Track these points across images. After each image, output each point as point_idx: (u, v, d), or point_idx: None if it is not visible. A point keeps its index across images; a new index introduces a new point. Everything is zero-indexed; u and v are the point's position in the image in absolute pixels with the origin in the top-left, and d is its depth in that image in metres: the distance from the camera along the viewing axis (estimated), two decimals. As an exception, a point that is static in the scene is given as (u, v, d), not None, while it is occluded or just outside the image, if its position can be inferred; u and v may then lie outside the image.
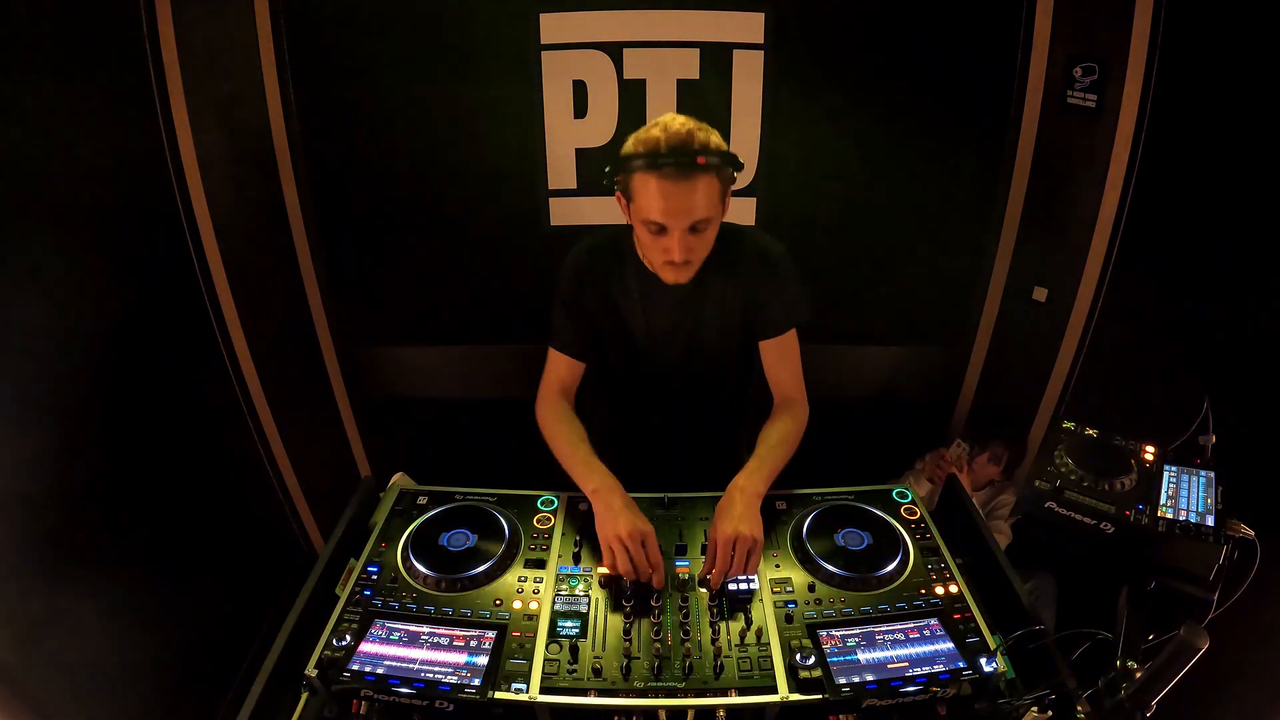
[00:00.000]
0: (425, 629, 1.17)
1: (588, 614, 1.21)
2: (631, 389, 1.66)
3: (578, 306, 1.55)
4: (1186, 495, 1.24)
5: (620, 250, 1.53)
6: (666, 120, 1.32)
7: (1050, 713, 1.08)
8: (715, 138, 1.32)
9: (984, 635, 1.16)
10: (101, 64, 1.77)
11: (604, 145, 2.15)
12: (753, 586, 1.26)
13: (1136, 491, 1.25)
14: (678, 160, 1.27)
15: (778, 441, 1.46)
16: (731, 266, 1.48)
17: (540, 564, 1.31)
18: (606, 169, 1.38)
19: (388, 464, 1.62)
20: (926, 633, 1.17)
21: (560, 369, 1.58)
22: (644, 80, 2.09)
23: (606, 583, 1.28)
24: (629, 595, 1.23)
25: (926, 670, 1.10)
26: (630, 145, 1.33)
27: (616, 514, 1.31)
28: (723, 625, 1.20)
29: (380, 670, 1.09)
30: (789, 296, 1.52)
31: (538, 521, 1.40)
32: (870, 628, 1.18)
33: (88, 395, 1.70)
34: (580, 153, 2.18)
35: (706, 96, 2.10)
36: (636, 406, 1.66)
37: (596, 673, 1.11)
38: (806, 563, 1.30)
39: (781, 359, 1.55)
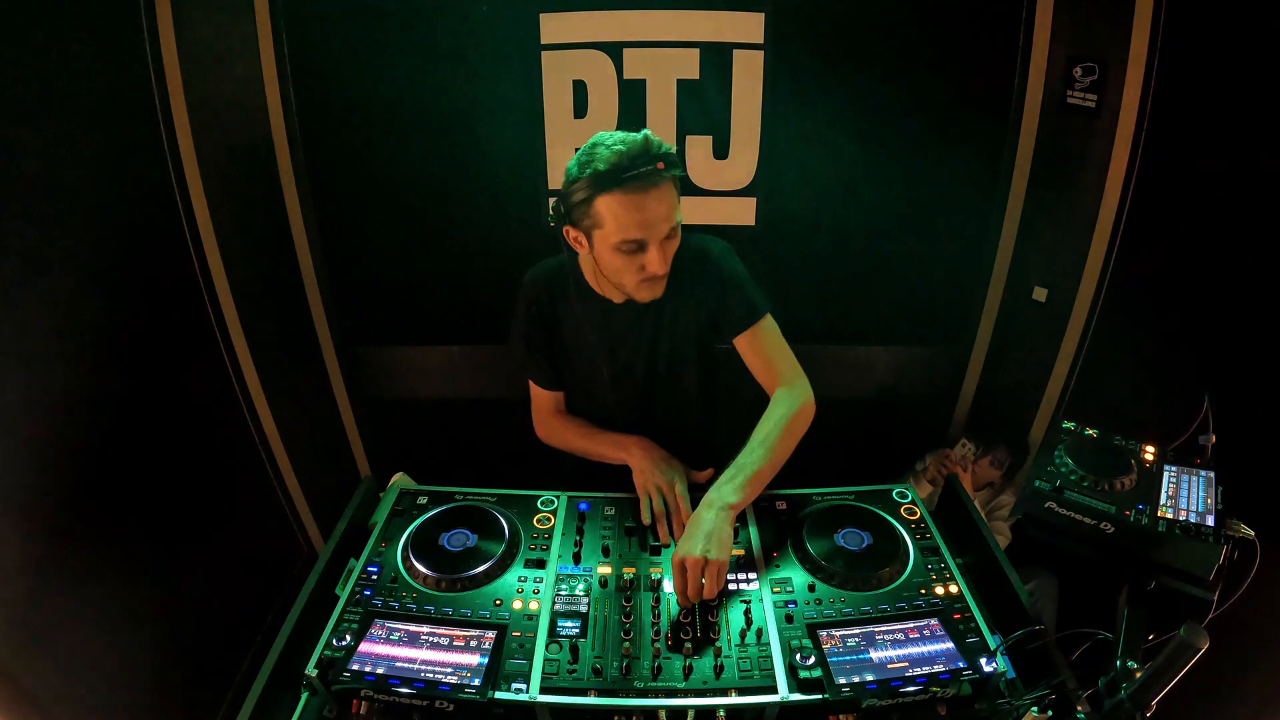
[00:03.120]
0: (425, 629, 1.17)
1: (588, 614, 1.21)
2: (602, 407, 1.65)
3: (538, 341, 1.57)
4: (1186, 495, 1.24)
5: (570, 279, 1.51)
6: (608, 139, 1.28)
7: (1050, 713, 1.08)
8: (666, 143, 1.30)
9: (984, 635, 1.16)
10: (101, 64, 1.76)
11: (604, 145, 2.15)
12: (742, 586, 1.26)
13: (1136, 491, 1.25)
14: (642, 170, 1.24)
15: (760, 441, 1.39)
16: (675, 274, 1.43)
17: (540, 564, 1.31)
18: (557, 205, 1.35)
19: (388, 464, 1.62)
20: (926, 633, 1.17)
21: (542, 400, 1.66)
22: (644, 80, 2.09)
23: (633, 530, 1.39)
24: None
25: (926, 670, 1.10)
26: (584, 173, 1.28)
27: (648, 467, 1.45)
28: (723, 625, 1.19)
29: (380, 670, 1.09)
30: (742, 290, 1.48)
31: (538, 521, 1.40)
32: (870, 628, 1.18)
33: (87, 395, 1.70)
34: (580, 153, 2.18)
35: (706, 96, 2.10)
36: (611, 422, 1.65)
37: (596, 673, 1.11)
38: (806, 563, 1.30)
39: (758, 351, 1.50)
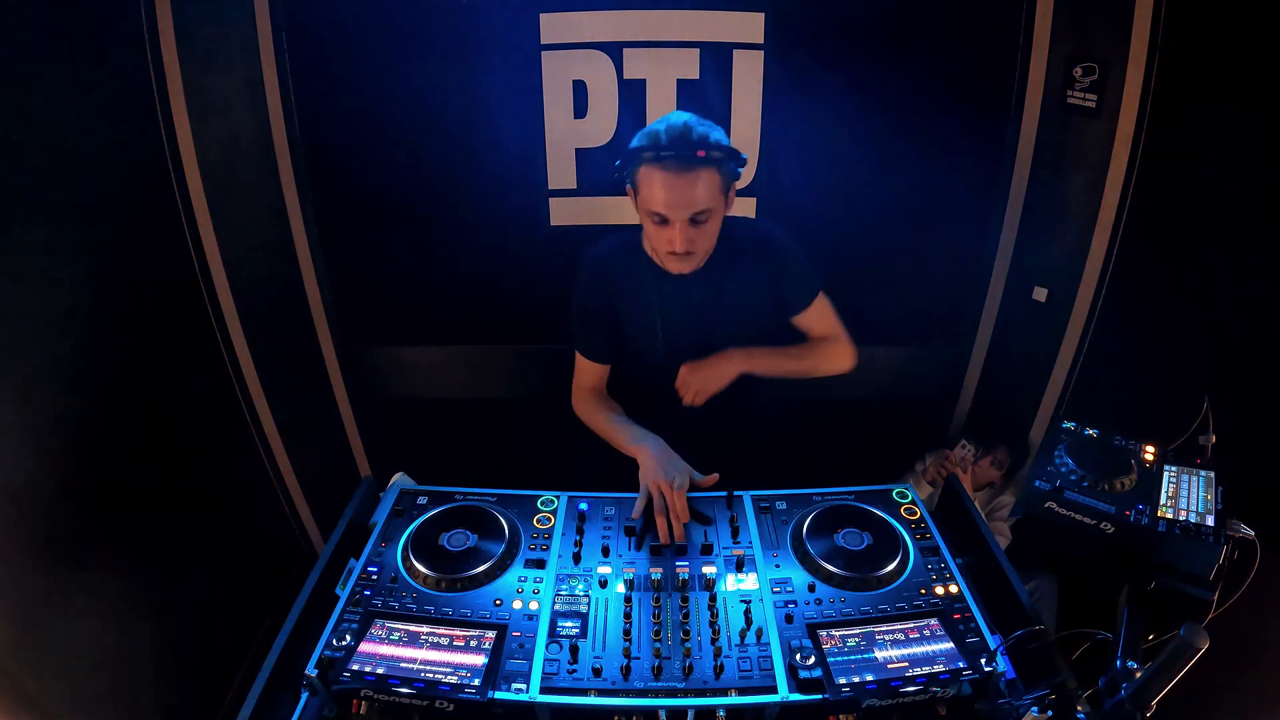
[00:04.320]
0: (425, 629, 1.17)
1: (588, 614, 1.21)
2: (650, 387, 1.67)
3: (593, 312, 1.60)
4: (1186, 495, 1.25)
5: (633, 251, 1.57)
6: (671, 116, 1.38)
7: (1050, 713, 1.08)
8: (717, 133, 1.37)
9: (984, 635, 1.16)
10: (101, 64, 1.77)
11: (604, 145, 2.14)
12: (750, 588, 1.26)
13: (1136, 491, 1.25)
14: (678, 152, 1.32)
15: (792, 346, 1.58)
16: (739, 259, 1.53)
17: (540, 564, 1.31)
18: (617, 163, 1.43)
19: (388, 464, 1.62)
20: (926, 633, 1.17)
21: (586, 372, 1.68)
22: (644, 80, 2.09)
23: (633, 530, 1.38)
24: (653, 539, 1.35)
25: (926, 670, 1.10)
26: (636, 140, 1.39)
27: (653, 464, 1.44)
28: (723, 625, 1.20)
29: (380, 670, 1.09)
30: (801, 273, 1.59)
31: (538, 521, 1.40)
32: (870, 628, 1.18)
33: (87, 395, 1.70)
34: (580, 153, 2.17)
35: (706, 96, 2.10)
36: (655, 404, 1.67)
37: (596, 673, 1.11)
38: (806, 563, 1.30)
39: (818, 329, 1.65)
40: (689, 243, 1.39)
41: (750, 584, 1.27)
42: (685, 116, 1.38)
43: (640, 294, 1.57)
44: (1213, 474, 1.29)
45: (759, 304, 1.60)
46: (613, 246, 1.61)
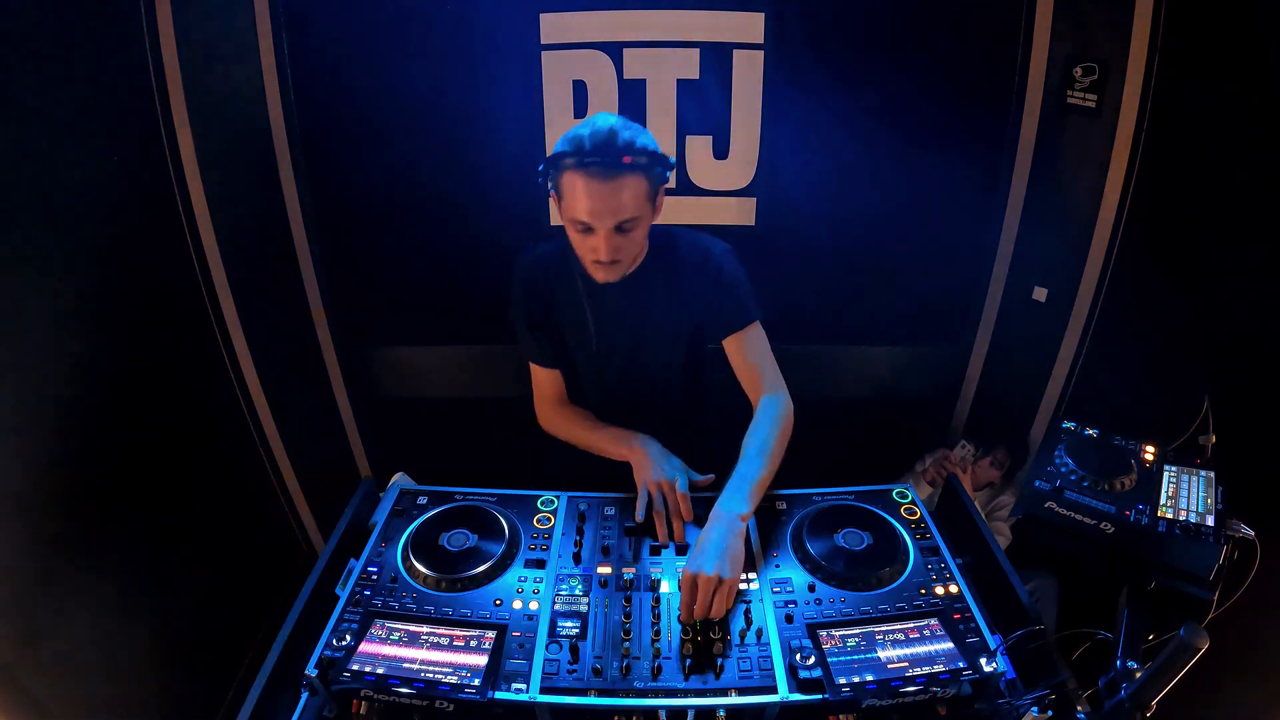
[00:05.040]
0: (425, 629, 1.17)
1: (588, 614, 1.21)
2: (592, 393, 1.66)
3: (531, 318, 1.57)
4: (1186, 495, 1.25)
5: (567, 256, 1.50)
6: (595, 119, 1.32)
7: (1050, 713, 1.08)
8: (644, 137, 1.32)
9: (984, 635, 1.16)
10: (101, 64, 1.76)
11: (604, 145, 2.15)
12: (751, 588, 1.25)
13: (1136, 491, 1.25)
14: (603, 158, 1.26)
15: (758, 451, 1.40)
16: (672, 269, 1.47)
17: (540, 564, 1.31)
18: (540, 168, 1.36)
19: (388, 464, 1.62)
20: (926, 633, 1.17)
21: (542, 380, 1.64)
22: (644, 80, 2.09)
23: (633, 530, 1.37)
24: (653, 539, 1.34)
25: (926, 670, 1.10)
26: (559, 144, 1.32)
27: (649, 463, 1.43)
28: (723, 625, 1.19)
29: (380, 670, 1.09)
30: (737, 294, 1.49)
31: (538, 521, 1.40)
32: (870, 628, 1.18)
33: (88, 395, 1.70)
34: (580, 153, 2.17)
35: (706, 96, 2.10)
36: (599, 410, 1.65)
37: (596, 673, 1.11)
38: (806, 563, 1.30)
39: (746, 357, 1.51)
40: (614, 251, 1.33)
41: (750, 584, 1.27)
42: (611, 120, 1.31)
43: (572, 301, 1.52)
44: (1213, 474, 1.29)
45: (691, 320, 1.52)
46: (547, 251, 1.54)
